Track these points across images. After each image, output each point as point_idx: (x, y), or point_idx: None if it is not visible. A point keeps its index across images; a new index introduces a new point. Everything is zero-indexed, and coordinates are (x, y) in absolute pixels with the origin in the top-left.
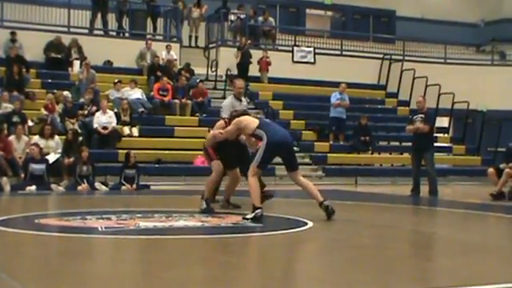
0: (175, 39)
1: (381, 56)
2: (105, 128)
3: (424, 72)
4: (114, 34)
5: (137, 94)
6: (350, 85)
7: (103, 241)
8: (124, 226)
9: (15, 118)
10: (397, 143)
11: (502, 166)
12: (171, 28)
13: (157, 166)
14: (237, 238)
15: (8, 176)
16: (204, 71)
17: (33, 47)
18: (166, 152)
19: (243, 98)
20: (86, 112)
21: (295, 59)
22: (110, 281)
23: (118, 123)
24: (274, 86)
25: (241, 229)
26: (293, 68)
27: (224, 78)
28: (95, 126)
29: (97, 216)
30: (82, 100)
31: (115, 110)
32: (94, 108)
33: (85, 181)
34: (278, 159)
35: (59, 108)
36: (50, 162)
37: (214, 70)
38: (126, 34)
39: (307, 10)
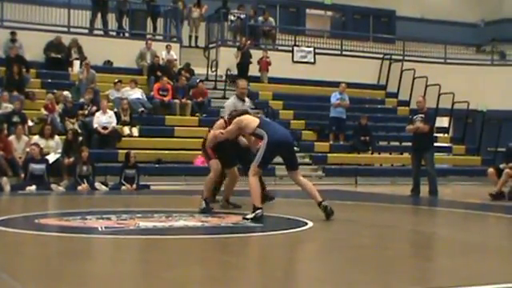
0: (175, 39)
1: (381, 56)
2: (105, 128)
3: (424, 72)
4: (114, 34)
5: (137, 93)
6: (350, 85)
7: (103, 241)
8: (124, 225)
9: (15, 118)
10: (397, 143)
11: (501, 166)
12: (171, 28)
13: (157, 166)
14: (237, 238)
15: (8, 176)
16: (204, 71)
17: (33, 47)
18: (166, 152)
19: (246, 98)
20: (86, 112)
21: (295, 59)
22: (110, 281)
23: (117, 123)
24: (273, 85)
25: (241, 229)
26: (293, 68)
27: (224, 77)
28: (95, 125)
29: (97, 216)
30: (81, 100)
31: (115, 110)
32: (94, 108)
33: (85, 181)
34: (278, 159)
35: (59, 108)
36: (50, 162)
37: (213, 70)
38: (126, 34)
39: (307, 10)
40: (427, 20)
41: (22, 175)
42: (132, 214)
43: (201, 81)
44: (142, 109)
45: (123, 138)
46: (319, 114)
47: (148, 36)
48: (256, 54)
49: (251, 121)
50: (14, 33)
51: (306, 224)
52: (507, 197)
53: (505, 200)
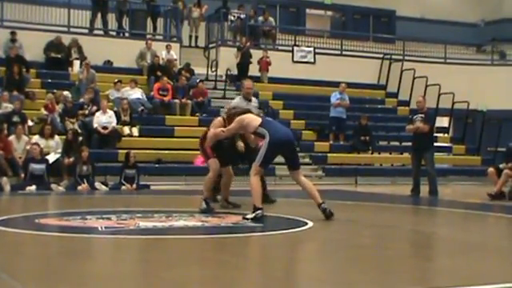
0: (175, 39)
1: (381, 56)
2: (105, 128)
3: (424, 72)
4: (114, 33)
5: (137, 93)
6: (350, 85)
7: (103, 241)
8: (124, 225)
9: (15, 118)
10: (397, 143)
11: (501, 165)
12: (171, 28)
13: (157, 165)
14: (237, 238)
15: (8, 176)
16: (204, 71)
17: (33, 47)
18: (166, 152)
19: (253, 98)
20: (86, 112)
21: (295, 59)
22: (110, 281)
23: (118, 123)
24: (273, 85)
25: (241, 229)
26: (293, 68)
27: (224, 77)
28: (95, 125)
29: (97, 216)
30: (81, 100)
31: (115, 109)
32: (94, 108)
33: (85, 181)
34: (279, 158)
35: (59, 108)
36: (50, 161)
37: (213, 69)
38: (126, 34)
39: (307, 10)
40: (427, 20)
41: (22, 175)
42: (132, 214)
43: (201, 81)
44: (142, 107)
45: (123, 138)
46: (319, 113)
47: (148, 36)
48: (256, 54)
49: (253, 119)
50: (14, 33)
51: (306, 224)
52: (507, 197)
53: (505, 200)
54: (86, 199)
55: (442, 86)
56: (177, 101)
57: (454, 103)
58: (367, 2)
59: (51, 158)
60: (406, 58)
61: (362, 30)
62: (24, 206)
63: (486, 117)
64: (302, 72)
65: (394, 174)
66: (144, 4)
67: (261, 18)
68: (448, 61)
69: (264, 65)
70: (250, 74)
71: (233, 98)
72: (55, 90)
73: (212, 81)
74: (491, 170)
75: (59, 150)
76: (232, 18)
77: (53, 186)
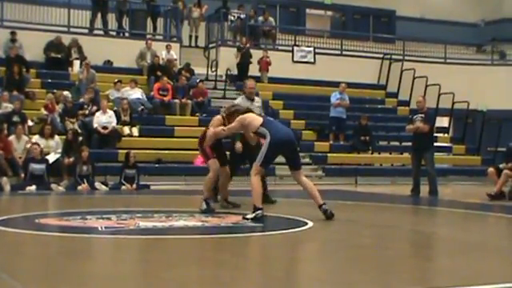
0: (175, 39)
1: (381, 56)
2: (105, 128)
3: (424, 72)
4: (114, 33)
5: (137, 93)
6: (350, 85)
7: (103, 241)
8: (124, 225)
9: (15, 118)
10: (397, 143)
11: (501, 165)
12: (171, 28)
13: (157, 165)
14: (237, 237)
15: (8, 176)
16: (204, 71)
17: (33, 47)
18: (166, 152)
19: (256, 98)
20: (86, 112)
21: (295, 59)
22: (110, 281)
23: (118, 123)
24: (273, 85)
25: (241, 229)
26: (293, 68)
27: (224, 77)
28: (95, 125)
29: (97, 216)
30: (81, 100)
31: (115, 108)
32: (94, 108)
33: (85, 181)
34: (279, 158)
35: (59, 108)
36: (50, 161)
37: (213, 69)
38: (126, 34)
39: (307, 10)
40: (427, 20)
41: (22, 175)
42: (132, 214)
43: (201, 81)
44: (142, 107)
45: (123, 138)
46: (319, 113)
47: (148, 36)
48: (256, 54)
49: (254, 119)
50: (14, 33)
51: (306, 224)
52: (507, 197)
53: (505, 200)
54: (86, 199)
55: (442, 85)
56: (177, 101)
57: (453, 103)
58: (367, 2)
59: (51, 157)
60: (406, 58)
61: (362, 30)
62: (24, 206)
63: (486, 117)
64: (302, 72)
65: (393, 174)
66: (144, 4)
67: (261, 18)
68: (448, 61)
69: (264, 65)
70: (249, 74)
71: (233, 98)
72: (55, 90)
73: (212, 81)
74: (491, 169)
75: (59, 150)
76: (232, 18)
77: (53, 186)
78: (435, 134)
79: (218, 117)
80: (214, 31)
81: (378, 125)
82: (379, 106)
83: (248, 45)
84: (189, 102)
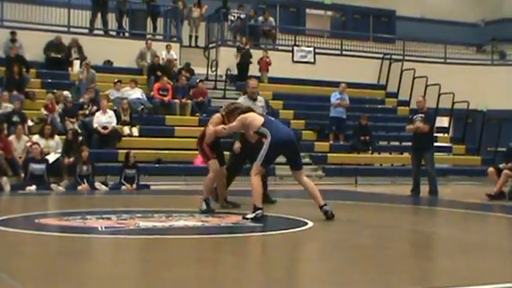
0: (175, 39)
1: (381, 56)
2: (105, 128)
3: (424, 72)
4: (114, 33)
5: (137, 93)
6: (350, 85)
7: (103, 241)
8: (124, 225)
9: (15, 118)
10: (397, 143)
11: (501, 165)
12: (171, 28)
13: (157, 165)
14: (237, 237)
15: (8, 176)
16: (204, 71)
17: (33, 47)
18: (166, 152)
19: (259, 97)
20: (86, 112)
21: (295, 59)
22: (110, 281)
23: (117, 123)
24: (274, 85)
25: (241, 229)
26: (293, 68)
27: (224, 77)
28: (95, 125)
29: (97, 216)
30: (81, 100)
31: (114, 108)
32: (94, 108)
33: (85, 181)
34: (279, 159)
35: (59, 108)
36: (50, 161)
37: (213, 69)
38: (126, 34)
39: (307, 10)
40: (427, 20)
41: (22, 175)
42: (132, 214)
43: (201, 81)
44: (142, 107)
45: (123, 138)
46: (319, 113)
47: (148, 36)
48: (256, 54)
49: (256, 119)
50: (14, 33)
51: (306, 224)
52: (507, 197)
53: (505, 200)
54: (86, 199)
55: (442, 85)
56: (177, 101)
57: (453, 103)
58: (367, 2)
59: (51, 157)
60: (406, 58)
61: (362, 30)
62: (24, 205)
63: (486, 117)
64: (302, 72)
65: (394, 174)
66: (144, 4)
67: (261, 18)
68: (448, 61)
69: (264, 65)
70: (249, 74)
71: (234, 98)
72: (55, 90)
73: (212, 81)
74: (491, 169)
75: (59, 150)
76: (232, 18)
77: (53, 185)
78: (435, 134)
79: (218, 115)
80: (214, 31)
81: (377, 125)
82: (379, 106)
83: (248, 46)
84: (189, 102)
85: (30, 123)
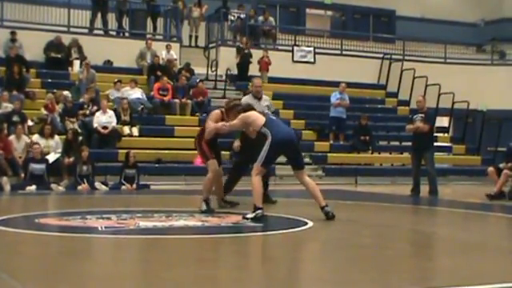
0: (175, 39)
1: (381, 56)
2: (105, 128)
3: (424, 72)
4: (114, 33)
5: (137, 93)
6: (349, 84)
7: (103, 240)
8: (124, 225)
9: (15, 118)
10: (397, 143)
11: (501, 165)
12: (171, 28)
13: (157, 165)
14: (237, 237)
15: (8, 176)
16: (204, 71)
17: (33, 47)
18: (166, 152)
19: (264, 96)
20: (86, 112)
21: (295, 59)
22: (110, 281)
23: (117, 123)
24: (274, 85)
25: (241, 228)
26: (293, 68)
27: (224, 77)
28: (95, 125)
29: (97, 216)
30: (81, 100)
31: (114, 108)
32: (94, 108)
33: (85, 180)
34: (279, 159)
35: (59, 108)
36: (50, 161)
37: (213, 69)
38: (126, 34)
39: (307, 10)
40: (427, 20)
41: (22, 175)
42: (132, 214)
43: (201, 80)
44: (142, 107)
45: (123, 138)
46: (319, 113)
47: (148, 36)
48: (256, 54)
49: (258, 118)
50: (14, 33)
51: (306, 224)
52: (507, 197)
53: (505, 200)
54: (86, 199)
55: (442, 85)
56: (177, 101)
57: (453, 103)
58: (367, 2)
59: (51, 157)
60: (406, 57)
61: (362, 29)
62: (24, 205)
63: (486, 117)
64: (302, 72)
65: (393, 174)
66: (144, 4)
67: (261, 18)
68: (448, 61)
69: (264, 65)
70: (249, 73)
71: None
72: (55, 90)
73: (212, 81)
74: (491, 169)
75: (59, 150)
76: (232, 17)
77: (53, 185)
78: (435, 134)
79: (217, 111)
80: (214, 31)
81: (377, 125)
82: (379, 106)
83: (248, 46)
84: (189, 101)
85: (30, 123)
